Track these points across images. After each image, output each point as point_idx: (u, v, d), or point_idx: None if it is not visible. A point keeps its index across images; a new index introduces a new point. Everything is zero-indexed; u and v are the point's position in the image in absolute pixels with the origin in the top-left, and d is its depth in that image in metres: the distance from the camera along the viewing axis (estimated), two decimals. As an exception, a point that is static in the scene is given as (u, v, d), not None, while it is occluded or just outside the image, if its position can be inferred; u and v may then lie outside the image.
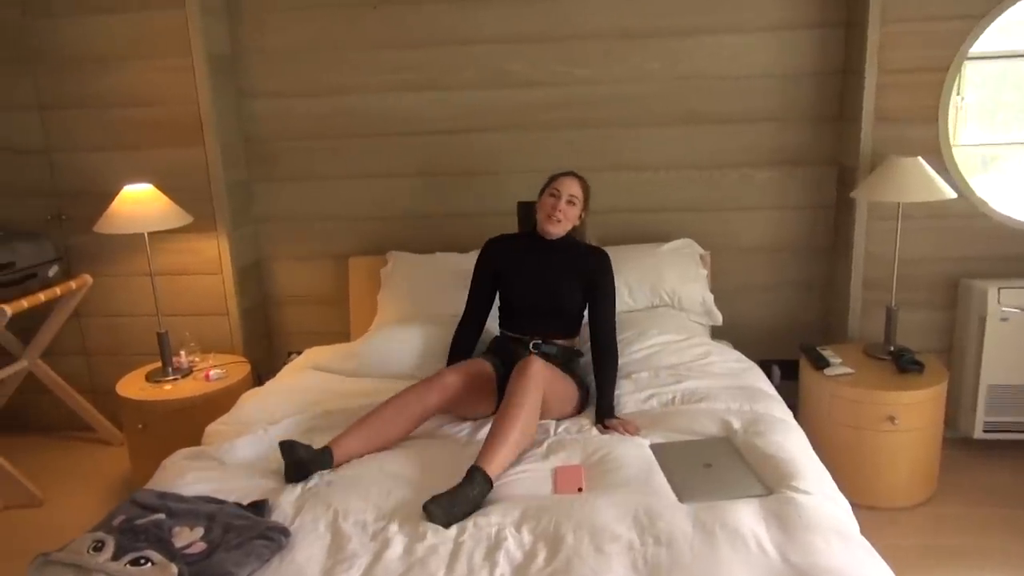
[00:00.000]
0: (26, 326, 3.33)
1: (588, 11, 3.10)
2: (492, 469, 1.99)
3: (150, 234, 3.00)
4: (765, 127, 3.16)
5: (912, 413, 2.67)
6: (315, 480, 2.04)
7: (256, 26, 3.24)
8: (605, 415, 2.36)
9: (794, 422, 2.32)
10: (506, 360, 2.52)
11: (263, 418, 2.43)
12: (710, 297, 3.04)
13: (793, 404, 2.64)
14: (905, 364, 2.77)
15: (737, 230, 3.27)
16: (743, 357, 2.75)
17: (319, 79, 3.27)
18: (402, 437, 2.27)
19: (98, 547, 1.69)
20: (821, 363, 2.82)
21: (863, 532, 1.79)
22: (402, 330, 2.86)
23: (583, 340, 2.64)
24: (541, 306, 2.57)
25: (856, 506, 2.66)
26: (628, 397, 2.48)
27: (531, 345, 2.55)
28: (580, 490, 1.97)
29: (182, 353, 3.13)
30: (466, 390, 2.37)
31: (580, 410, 2.49)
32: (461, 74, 3.22)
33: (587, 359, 2.58)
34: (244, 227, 3.39)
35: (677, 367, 2.64)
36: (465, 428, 2.39)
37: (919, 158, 2.76)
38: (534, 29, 3.13)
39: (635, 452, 2.12)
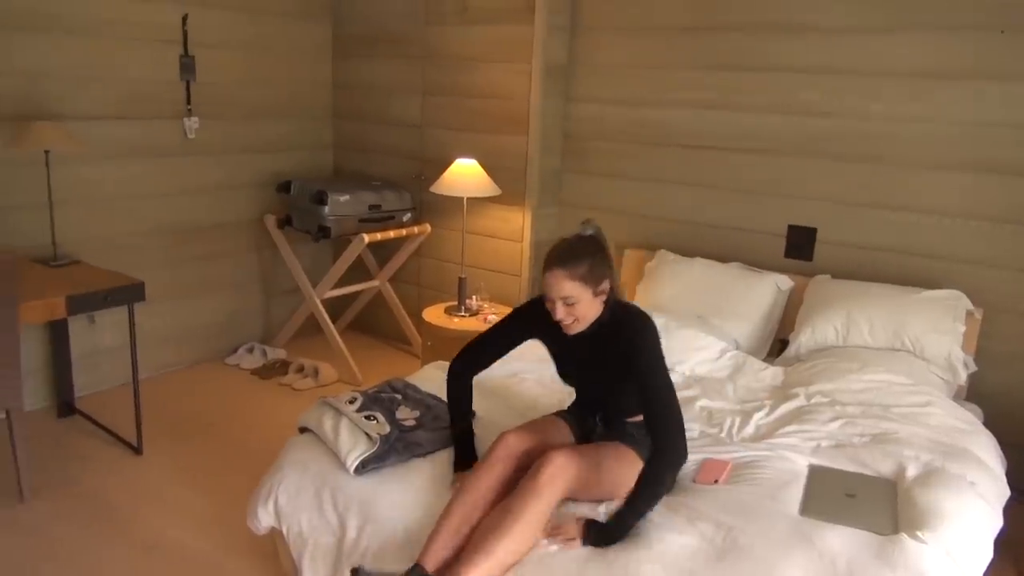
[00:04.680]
0: (384, 256, 4.41)
1: (893, 48, 3.09)
2: None
3: (469, 199, 3.79)
4: (1082, 187, 2.85)
5: None
6: None
7: (590, 43, 3.82)
8: (596, 537, 1.88)
9: (984, 490, 2.21)
10: (580, 424, 2.27)
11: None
12: (960, 354, 2.88)
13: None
14: None
15: (1024, 293, 3.00)
16: (974, 420, 2.61)
17: (633, 92, 3.74)
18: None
19: (352, 401, 2.43)
20: (1069, 452, 2.54)
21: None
22: (638, 316, 3.24)
23: None
24: (597, 395, 2.24)
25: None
26: (824, 426, 2.54)
27: (597, 418, 2.25)
28: (716, 481, 2.19)
29: (474, 297, 3.90)
30: (537, 448, 2.06)
31: None
32: (757, 98, 3.43)
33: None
34: (548, 207, 4.03)
35: (889, 408, 2.62)
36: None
37: None
38: (834, 62, 3.21)
39: (788, 467, 2.26)
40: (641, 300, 3.52)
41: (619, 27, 3.72)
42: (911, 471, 2.24)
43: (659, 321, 3.10)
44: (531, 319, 2.22)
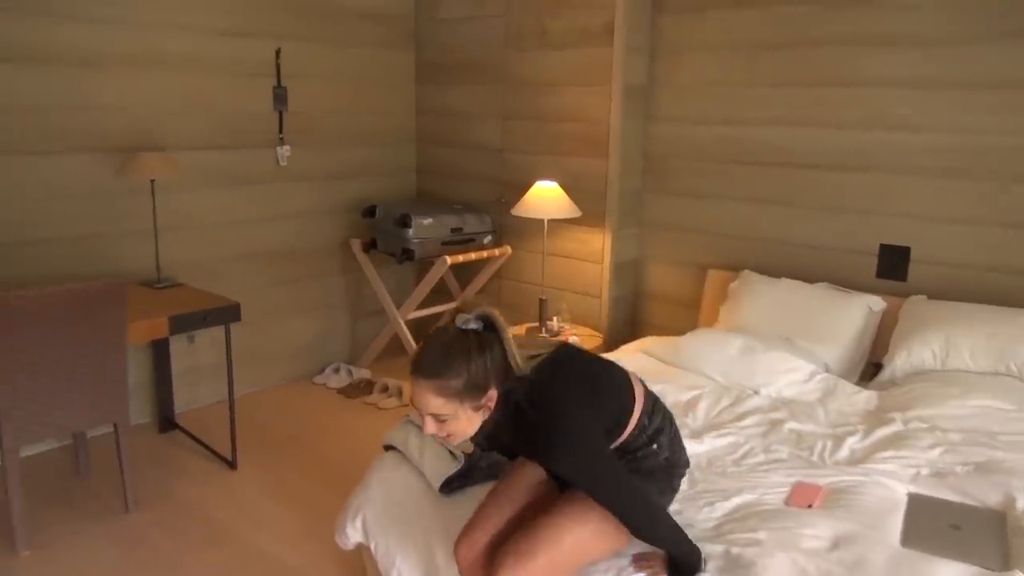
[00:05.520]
0: (466, 277, 4.47)
1: (991, 58, 2.96)
2: None
3: (549, 221, 3.81)
4: None
5: None
6: None
7: (671, 63, 3.81)
8: (674, 571, 1.80)
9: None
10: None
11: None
12: (1072, 379, 2.71)
13: None
14: None
15: None
16: (1091, 450, 2.44)
17: (715, 110, 3.71)
18: None
19: (436, 420, 2.46)
20: None
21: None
22: (724, 336, 3.18)
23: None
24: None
25: None
26: (923, 453, 2.44)
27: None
28: (810, 506, 2.13)
29: (555, 318, 3.91)
30: (503, 529, 1.87)
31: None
32: (845, 113, 3.34)
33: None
34: (629, 228, 4.02)
35: (996, 435, 2.49)
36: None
37: None
38: (928, 74, 3.11)
39: (886, 494, 2.16)
40: (725, 322, 3.46)
41: (699, 46, 3.70)
42: (1022, 503, 2.12)
43: (740, 343, 3.09)
44: None
